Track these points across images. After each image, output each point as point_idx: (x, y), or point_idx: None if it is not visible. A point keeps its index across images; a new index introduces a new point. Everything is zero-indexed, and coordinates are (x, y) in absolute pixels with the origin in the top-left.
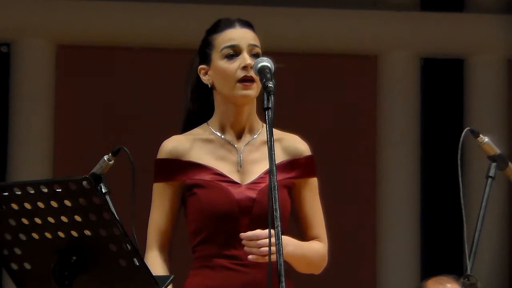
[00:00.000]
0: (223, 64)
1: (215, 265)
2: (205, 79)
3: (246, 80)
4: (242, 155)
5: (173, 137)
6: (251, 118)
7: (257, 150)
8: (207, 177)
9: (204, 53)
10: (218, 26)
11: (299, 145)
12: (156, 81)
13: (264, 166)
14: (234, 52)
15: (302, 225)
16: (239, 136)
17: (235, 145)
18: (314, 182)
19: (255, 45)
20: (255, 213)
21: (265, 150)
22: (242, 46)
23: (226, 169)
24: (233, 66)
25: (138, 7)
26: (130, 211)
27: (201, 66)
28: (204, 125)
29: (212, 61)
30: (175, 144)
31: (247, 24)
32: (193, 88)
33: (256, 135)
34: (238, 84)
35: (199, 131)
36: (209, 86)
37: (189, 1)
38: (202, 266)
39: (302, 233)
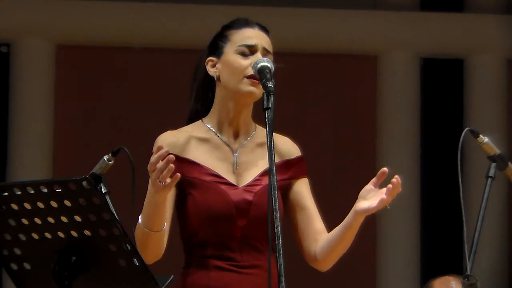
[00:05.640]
0: (235, 58)
1: (211, 266)
2: (211, 71)
3: (255, 78)
4: (237, 157)
5: (168, 132)
6: (247, 120)
7: (251, 152)
8: (203, 177)
9: (216, 45)
10: (237, 24)
11: (291, 147)
12: (156, 81)
13: (259, 168)
14: (249, 52)
15: (305, 217)
16: (235, 137)
17: (231, 147)
18: (307, 181)
19: (269, 52)
20: (252, 215)
21: (259, 152)
22: (258, 46)
23: (222, 170)
24: (245, 62)
25: (138, 7)
26: (130, 211)
27: (210, 57)
28: (199, 122)
29: (223, 53)
30: (173, 140)
31: (264, 29)
32: (199, 86)
33: (250, 137)
34: (246, 80)
35: (193, 128)
36: (215, 78)
37: (189, 1)
38: (198, 266)
39: (304, 226)
